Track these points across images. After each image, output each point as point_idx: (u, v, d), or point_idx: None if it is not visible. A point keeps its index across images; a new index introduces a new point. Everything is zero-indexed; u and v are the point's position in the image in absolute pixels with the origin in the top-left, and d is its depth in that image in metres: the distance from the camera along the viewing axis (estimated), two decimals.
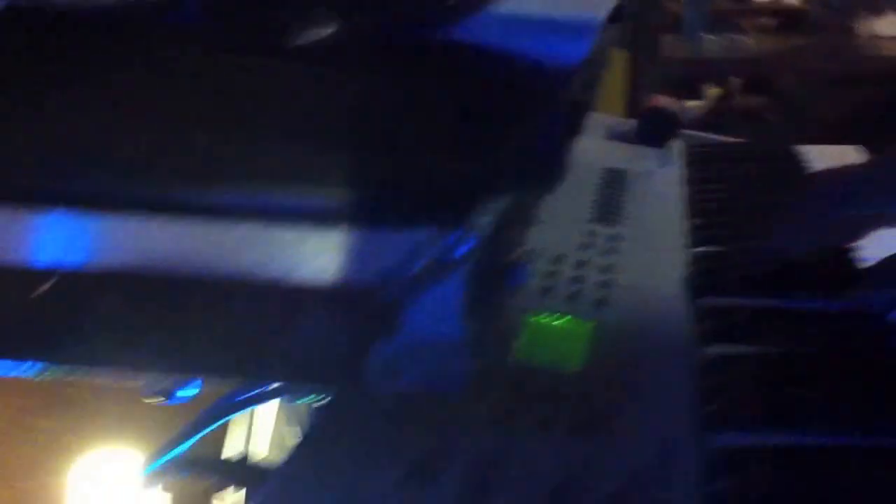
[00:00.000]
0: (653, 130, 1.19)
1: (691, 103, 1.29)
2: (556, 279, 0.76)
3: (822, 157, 1.20)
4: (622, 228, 0.89)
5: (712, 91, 1.32)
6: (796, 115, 4.03)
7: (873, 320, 0.73)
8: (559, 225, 0.87)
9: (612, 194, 0.98)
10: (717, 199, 1.02)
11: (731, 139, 1.32)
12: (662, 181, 1.06)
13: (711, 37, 3.67)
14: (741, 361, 0.67)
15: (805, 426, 0.61)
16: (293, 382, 0.62)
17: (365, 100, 0.55)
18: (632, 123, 1.23)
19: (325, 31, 0.56)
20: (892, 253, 0.74)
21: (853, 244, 0.83)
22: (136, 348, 0.53)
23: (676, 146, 1.20)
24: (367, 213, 0.53)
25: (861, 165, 0.78)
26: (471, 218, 0.52)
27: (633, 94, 3.76)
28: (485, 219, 0.53)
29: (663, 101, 1.21)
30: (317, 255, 0.52)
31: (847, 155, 1.21)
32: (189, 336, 0.54)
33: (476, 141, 0.54)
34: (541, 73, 0.55)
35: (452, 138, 0.54)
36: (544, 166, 0.54)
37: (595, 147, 1.14)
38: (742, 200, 1.02)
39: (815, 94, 3.88)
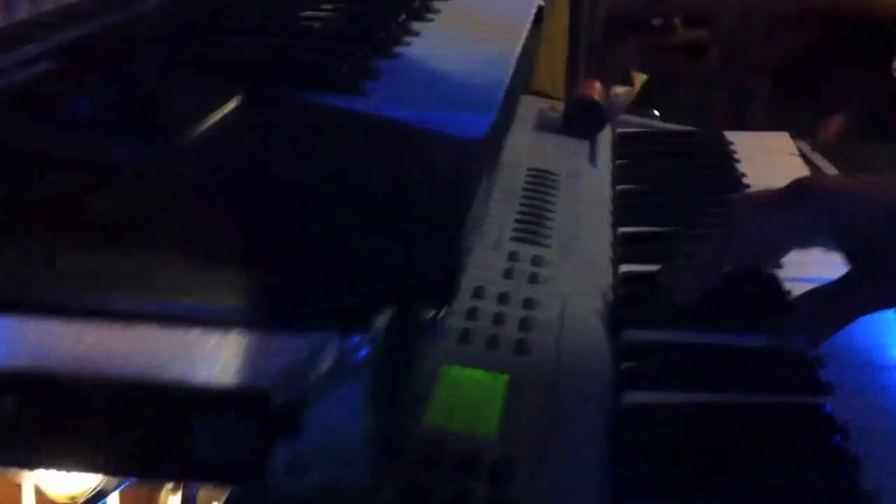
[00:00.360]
0: (580, 122, 1.17)
1: (620, 89, 1.27)
2: (476, 320, 0.75)
3: (749, 144, 1.20)
4: (545, 248, 0.88)
5: (640, 78, 1.30)
6: (739, 52, 4.02)
7: (795, 360, 0.72)
8: (482, 247, 0.85)
9: (537, 204, 0.96)
10: (643, 205, 1.01)
11: (658, 123, 1.31)
12: (589, 183, 1.05)
13: None
14: (658, 416, 0.67)
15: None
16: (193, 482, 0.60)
17: (260, 197, 0.52)
18: (560, 111, 1.21)
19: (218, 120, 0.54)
20: (813, 288, 0.74)
21: (775, 267, 0.83)
22: (34, 448, 0.52)
23: (604, 137, 1.19)
24: (266, 315, 0.51)
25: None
26: (371, 319, 0.50)
27: (574, 36, 3.73)
28: (385, 318, 0.51)
29: (590, 89, 1.19)
30: (216, 358, 0.50)
31: (773, 142, 1.20)
32: (88, 436, 0.52)
33: (372, 244, 0.52)
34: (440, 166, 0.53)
35: (349, 239, 0.52)
36: (444, 271, 0.52)
37: (523, 142, 1.12)
38: (670, 205, 1.01)
39: (757, 30, 3.86)
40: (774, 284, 0.82)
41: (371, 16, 0.76)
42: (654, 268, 0.82)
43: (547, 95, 2.70)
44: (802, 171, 1.13)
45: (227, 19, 0.71)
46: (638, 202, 1.02)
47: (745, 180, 1.08)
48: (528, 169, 1.05)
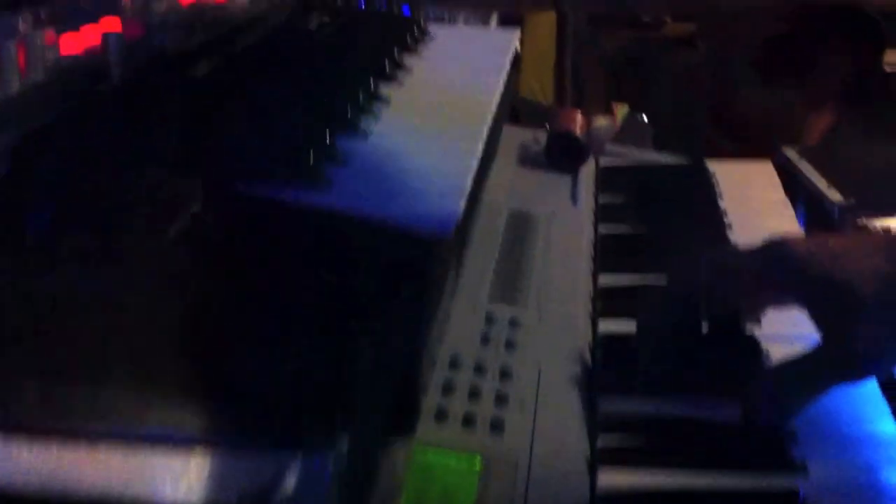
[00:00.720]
0: (561, 157, 1.16)
1: (601, 121, 1.26)
2: (452, 395, 0.74)
3: (732, 176, 1.19)
4: (523, 308, 0.87)
5: (621, 109, 1.29)
6: (727, 43, 4.00)
7: (768, 437, 0.72)
8: (459, 309, 0.85)
9: (515, 255, 0.96)
10: (624, 251, 1.01)
11: (640, 154, 1.30)
12: (569, 226, 1.04)
13: None
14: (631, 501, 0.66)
15: None
16: None
17: (222, 320, 0.52)
18: (543, 142, 1.20)
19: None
20: (782, 361, 0.73)
21: (755, 323, 0.82)
22: None
23: (588, 168, 1.18)
24: (231, 435, 0.51)
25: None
26: (336, 439, 0.50)
27: (561, 34, 3.72)
28: (350, 438, 0.51)
29: (571, 121, 1.18)
30: (182, 477, 0.50)
31: (756, 173, 1.20)
32: None
33: (338, 359, 0.52)
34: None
35: (314, 362, 0.51)
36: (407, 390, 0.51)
37: (504, 179, 1.12)
38: (650, 252, 1.01)
39: (745, 19, 3.85)
40: (752, 344, 0.82)
41: (339, 85, 0.76)
42: (632, 325, 0.82)
43: (534, 103, 2.70)
44: (784, 207, 1.13)
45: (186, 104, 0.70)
46: (618, 247, 1.01)
47: (726, 219, 1.07)
48: (509, 211, 1.04)
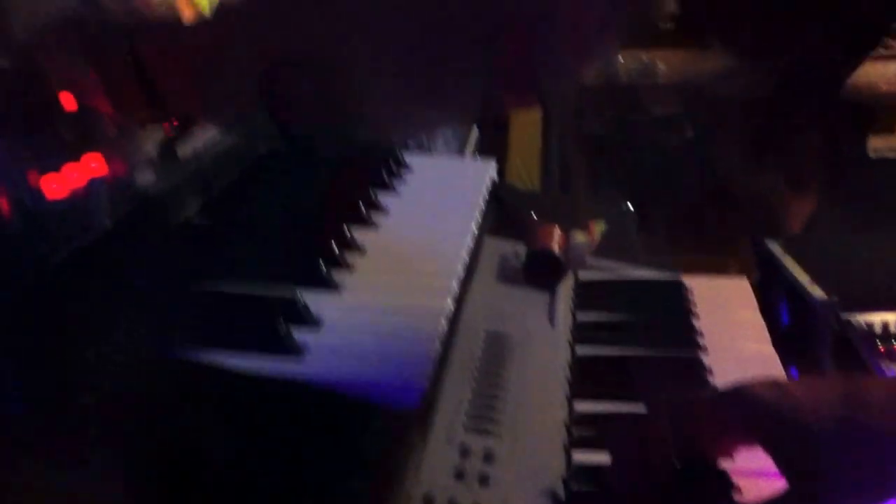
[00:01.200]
0: (539, 275, 1.18)
1: (580, 237, 1.28)
2: None
3: (708, 293, 1.21)
4: (498, 438, 0.88)
5: (598, 226, 1.32)
6: (713, 126, 4.05)
7: None
8: (434, 440, 0.86)
9: (491, 380, 0.97)
10: (599, 374, 1.02)
11: (620, 268, 1.31)
12: (546, 348, 1.06)
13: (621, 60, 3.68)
14: None
15: None
16: None
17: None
18: (522, 255, 1.22)
19: None
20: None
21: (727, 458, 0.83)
22: None
23: (566, 282, 1.20)
24: None
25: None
26: None
27: (547, 129, 3.77)
28: None
29: (549, 238, 1.20)
30: None
31: (732, 290, 1.22)
32: None
33: None
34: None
35: None
36: None
37: (483, 297, 1.13)
38: (624, 374, 1.02)
39: (730, 104, 3.90)
40: (724, 480, 0.83)
41: (313, 235, 0.77)
42: (604, 457, 0.83)
43: (519, 190, 2.71)
44: (758, 328, 1.14)
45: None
46: (594, 372, 1.03)
47: (701, 340, 1.09)
48: (486, 332, 1.06)
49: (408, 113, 0.76)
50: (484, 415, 0.91)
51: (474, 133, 1.24)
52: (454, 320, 0.73)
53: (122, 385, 0.58)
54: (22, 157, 0.83)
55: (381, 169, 0.93)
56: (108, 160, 0.86)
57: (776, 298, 2.37)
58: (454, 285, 0.72)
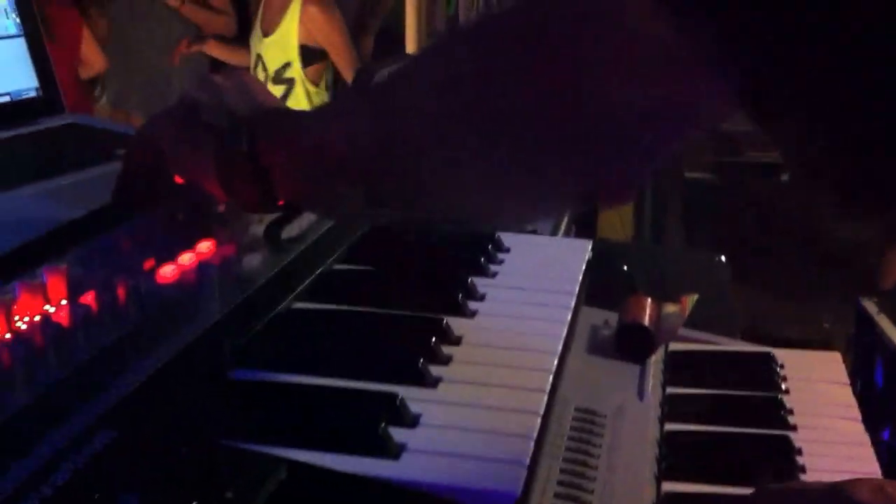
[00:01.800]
0: (630, 348, 1.20)
1: (671, 308, 1.29)
2: None
3: (799, 366, 1.22)
4: None
5: (690, 299, 1.33)
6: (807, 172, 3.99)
7: None
8: None
9: (580, 457, 0.99)
10: (688, 454, 1.04)
11: (711, 339, 1.33)
12: (635, 425, 1.07)
13: None
14: None
15: None
16: None
17: None
18: (613, 327, 1.24)
19: None
20: None
21: None
22: None
23: (655, 359, 1.22)
24: None
25: None
26: None
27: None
28: None
29: (640, 310, 1.22)
30: None
31: (823, 364, 1.22)
32: None
33: None
34: None
35: None
36: None
37: (573, 369, 1.15)
38: (713, 453, 1.03)
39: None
40: None
41: (410, 330, 0.81)
42: None
43: (611, 241, 2.71)
44: (848, 407, 1.14)
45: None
46: (683, 450, 1.04)
47: (791, 418, 1.10)
48: (576, 409, 1.08)
49: (503, 211, 0.79)
50: (572, 495, 0.93)
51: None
52: (554, 403, 0.76)
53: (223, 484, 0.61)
54: (141, 243, 0.89)
55: (479, 254, 0.96)
56: (219, 246, 0.91)
57: (871, 357, 2.35)
58: (548, 382, 0.74)
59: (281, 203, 0.86)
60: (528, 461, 0.64)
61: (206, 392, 0.70)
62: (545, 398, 0.72)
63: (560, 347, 0.81)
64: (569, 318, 0.87)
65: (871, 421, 2.30)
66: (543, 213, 1.03)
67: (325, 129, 0.78)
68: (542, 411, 0.70)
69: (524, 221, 1.08)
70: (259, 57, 3.82)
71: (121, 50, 4.25)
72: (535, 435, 0.67)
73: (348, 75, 3.73)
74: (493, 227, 1.01)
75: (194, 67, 4.31)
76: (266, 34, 3.83)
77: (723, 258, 2.07)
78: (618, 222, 3.63)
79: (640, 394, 1.14)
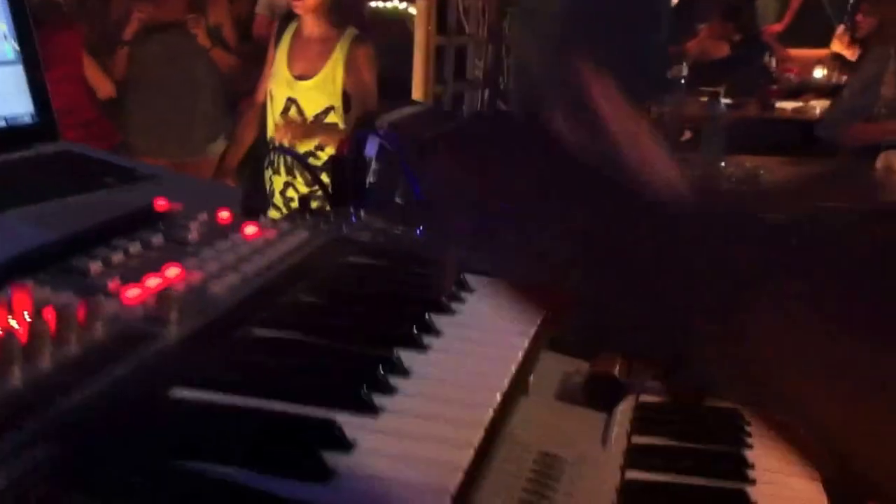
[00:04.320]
0: (597, 397, 1.22)
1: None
2: None
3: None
4: None
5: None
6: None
7: None
8: None
9: (536, 501, 1.01)
10: (645, 501, 1.05)
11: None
12: (597, 471, 1.09)
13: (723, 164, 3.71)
14: None
15: None
16: None
17: None
18: (584, 375, 1.26)
19: None
20: None
21: None
22: None
23: (624, 411, 1.24)
24: None
25: None
26: None
27: None
28: None
29: (611, 361, 1.24)
30: None
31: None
32: None
33: None
34: None
35: None
36: None
37: (538, 415, 1.17)
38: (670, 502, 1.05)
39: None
40: None
41: (358, 359, 0.83)
42: None
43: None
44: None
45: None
46: (639, 496, 1.06)
47: (751, 473, 1.12)
48: (538, 451, 1.10)
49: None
50: None
51: None
52: (495, 439, 0.79)
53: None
54: (110, 265, 0.92)
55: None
56: (187, 272, 0.94)
57: None
58: (488, 417, 0.77)
59: None
60: (454, 489, 0.67)
61: (150, 411, 0.73)
62: (482, 431, 0.75)
63: (506, 384, 0.83)
64: (520, 356, 0.89)
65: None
66: None
67: None
68: (476, 443, 0.73)
69: None
70: (292, 101, 3.75)
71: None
72: (465, 465, 0.70)
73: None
74: None
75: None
76: (303, 77, 3.78)
77: None
78: None
79: (605, 441, 1.16)
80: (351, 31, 3.76)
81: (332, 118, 3.74)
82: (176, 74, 4.27)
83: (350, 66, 3.71)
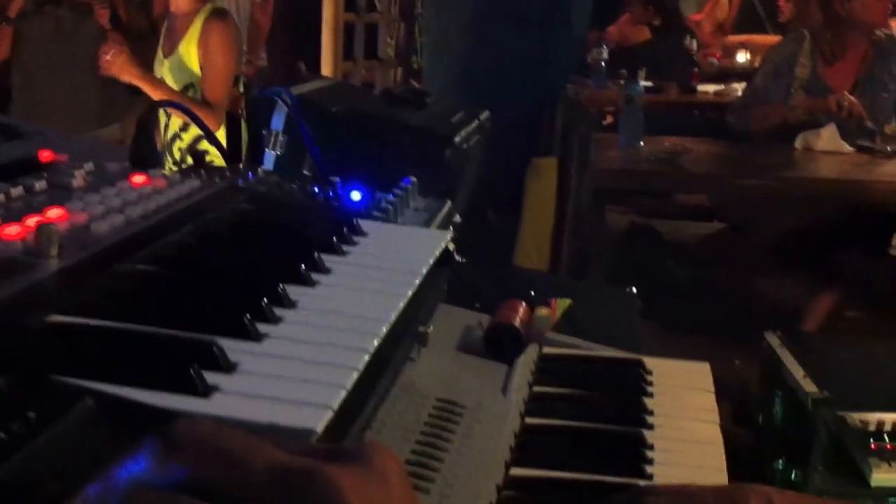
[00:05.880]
0: (497, 347, 1.25)
1: (542, 311, 1.35)
2: None
3: (668, 375, 1.27)
4: (424, 495, 0.94)
5: (561, 303, 1.38)
6: (746, 225, 4.14)
7: None
8: None
9: (432, 442, 1.03)
10: (544, 446, 1.08)
11: (584, 346, 1.38)
12: (495, 417, 1.12)
13: (643, 144, 3.79)
14: None
15: None
16: None
17: None
18: (484, 327, 1.29)
19: None
20: None
21: None
22: None
23: (528, 357, 1.27)
24: None
25: None
26: None
27: (562, 203, 3.87)
28: None
29: (512, 312, 1.27)
30: None
31: (692, 374, 1.28)
32: None
33: None
34: None
35: None
36: None
37: (439, 367, 1.20)
38: (568, 449, 1.08)
39: (763, 209, 4.00)
40: None
41: (243, 289, 0.85)
42: None
43: (525, 271, 2.78)
44: (709, 405, 1.20)
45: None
46: (536, 439, 1.09)
47: (649, 419, 1.15)
48: (437, 399, 1.12)
49: None
50: (417, 473, 0.97)
51: (446, 206, 1.32)
52: (383, 371, 0.81)
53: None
54: None
55: (333, 232, 1.01)
56: (71, 213, 0.95)
57: (772, 391, 2.43)
58: (373, 344, 0.79)
59: None
60: (335, 404, 0.69)
61: (30, 333, 0.74)
62: (366, 357, 0.77)
63: (393, 317, 0.85)
64: (409, 294, 0.91)
65: (768, 452, 2.37)
66: None
67: None
68: (360, 366, 0.75)
69: None
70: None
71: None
72: (347, 384, 0.72)
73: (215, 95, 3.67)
74: None
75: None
76: (167, 55, 3.76)
77: (633, 290, 2.13)
78: (535, 253, 3.71)
79: (506, 390, 1.19)
80: (208, 7, 3.71)
81: (192, 95, 3.71)
82: (67, 52, 4.22)
83: (201, 43, 3.67)
